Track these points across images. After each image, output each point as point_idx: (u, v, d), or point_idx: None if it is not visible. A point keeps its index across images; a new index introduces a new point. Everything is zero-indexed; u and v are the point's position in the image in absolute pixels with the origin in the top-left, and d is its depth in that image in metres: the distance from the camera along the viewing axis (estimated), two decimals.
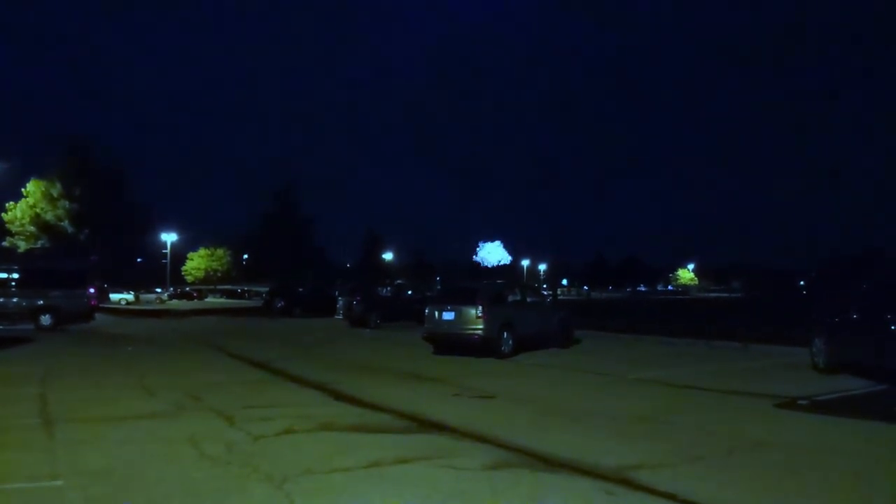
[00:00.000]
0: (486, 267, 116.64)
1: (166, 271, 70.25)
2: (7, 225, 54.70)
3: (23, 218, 54.59)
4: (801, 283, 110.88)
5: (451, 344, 14.65)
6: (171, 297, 68.09)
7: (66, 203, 55.26)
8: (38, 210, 54.71)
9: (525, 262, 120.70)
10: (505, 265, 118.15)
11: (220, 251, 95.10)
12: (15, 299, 21.87)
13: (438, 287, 37.74)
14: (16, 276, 22.39)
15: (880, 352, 9.69)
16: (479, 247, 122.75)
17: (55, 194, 55.13)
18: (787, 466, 5.65)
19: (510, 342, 14.33)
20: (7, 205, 55.15)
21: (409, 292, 28.58)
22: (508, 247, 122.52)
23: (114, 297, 56.15)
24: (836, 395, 9.18)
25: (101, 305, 32.69)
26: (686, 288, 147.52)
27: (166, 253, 69.59)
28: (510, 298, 15.91)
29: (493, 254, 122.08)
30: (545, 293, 37.90)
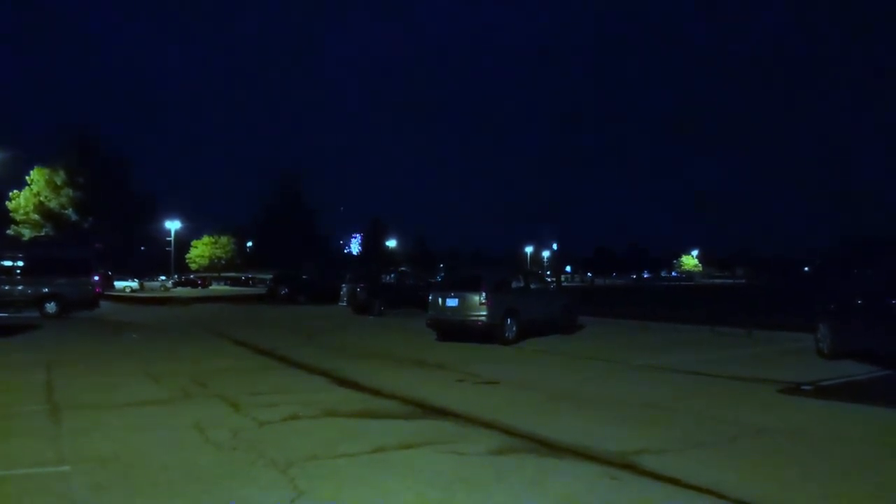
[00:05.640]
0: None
1: (171, 259, 70.48)
2: (11, 213, 54.88)
3: (27, 206, 54.75)
4: (806, 269, 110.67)
5: (455, 330, 14.66)
6: (175, 285, 68.37)
7: (70, 191, 55.38)
8: (41, 198, 54.86)
9: (528, 249, 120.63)
10: (508, 252, 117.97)
11: (224, 239, 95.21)
12: (20, 287, 21.96)
13: (442, 274, 37.75)
14: (20, 264, 22.46)
15: (886, 337, 9.65)
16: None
17: (59, 182, 55.23)
18: (791, 452, 5.65)
19: (514, 328, 14.33)
20: (11, 193, 55.31)
21: (416, 281, 28.54)
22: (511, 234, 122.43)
23: (119, 284, 56.37)
24: (840, 381, 9.15)
25: (105, 293, 32.82)
26: (690, 275, 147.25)
27: (170, 240, 69.81)
28: (514, 285, 15.88)
29: None
30: (549, 280, 37.87)
